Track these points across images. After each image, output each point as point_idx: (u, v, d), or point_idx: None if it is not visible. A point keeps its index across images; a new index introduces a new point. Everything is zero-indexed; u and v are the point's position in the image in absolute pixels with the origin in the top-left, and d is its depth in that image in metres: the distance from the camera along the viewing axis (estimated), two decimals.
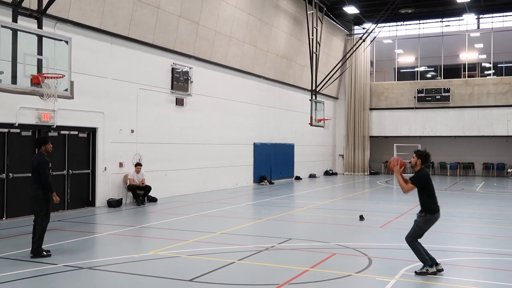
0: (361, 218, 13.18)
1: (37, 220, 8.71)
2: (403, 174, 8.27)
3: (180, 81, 18.72)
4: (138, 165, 16.18)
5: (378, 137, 34.23)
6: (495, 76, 32.07)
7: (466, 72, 32.87)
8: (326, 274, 7.65)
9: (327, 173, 32.75)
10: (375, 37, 31.38)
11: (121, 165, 16.18)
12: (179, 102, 18.82)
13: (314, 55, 25.68)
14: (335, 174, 33.33)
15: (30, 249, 8.63)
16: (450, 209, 16.08)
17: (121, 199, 15.82)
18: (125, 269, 7.93)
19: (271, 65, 25.23)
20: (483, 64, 33.94)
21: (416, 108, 32.59)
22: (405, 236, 8.01)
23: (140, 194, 16.05)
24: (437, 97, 31.93)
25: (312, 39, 25.48)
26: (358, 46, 29.66)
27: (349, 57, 30.38)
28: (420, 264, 7.81)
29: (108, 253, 9.41)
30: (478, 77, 32.96)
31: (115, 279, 7.51)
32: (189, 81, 19.16)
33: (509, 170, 30.67)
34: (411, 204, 16.93)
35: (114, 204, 15.31)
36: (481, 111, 31.00)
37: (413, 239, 7.89)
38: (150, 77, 17.46)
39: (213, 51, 20.56)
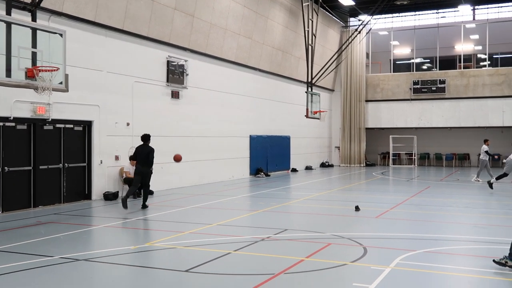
0: (357, 208, 13.24)
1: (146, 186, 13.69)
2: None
3: (175, 74, 18.70)
4: (133, 158, 16.16)
5: (374, 128, 34.29)
6: (490, 67, 32.12)
7: (462, 64, 32.91)
8: (321, 264, 7.70)
9: (323, 165, 32.82)
10: (370, 28, 31.36)
11: (117, 158, 16.19)
12: (175, 95, 18.81)
13: (310, 47, 25.65)
14: (331, 166, 33.40)
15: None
16: (446, 200, 16.18)
17: (117, 192, 15.85)
18: (121, 261, 7.97)
19: (267, 58, 25.21)
20: (479, 55, 33.97)
21: (412, 99, 32.64)
22: None
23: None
24: (432, 88, 31.98)
25: (308, 31, 25.44)
26: (354, 38, 29.63)
27: (344, 49, 30.36)
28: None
29: (104, 245, 9.44)
30: (473, 68, 33.01)
31: (111, 271, 7.54)
32: (184, 74, 19.14)
33: (504, 160, 30.75)
34: (406, 195, 17.04)
35: (110, 197, 15.34)
36: (477, 102, 31.08)
37: None
38: (146, 70, 17.44)
39: (209, 44, 20.53)
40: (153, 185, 16.96)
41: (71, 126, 14.86)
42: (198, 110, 20.22)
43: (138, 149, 13.84)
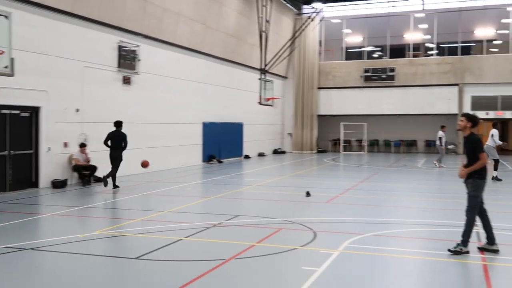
0: (308, 194, 13.47)
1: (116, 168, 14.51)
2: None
3: (127, 59, 18.35)
4: (83, 145, 15.84)
5: (326, 115, 34.79)
6: (438, 56, 33.10)
7: (411, 52, 33.76)
8: (272, 248, 7.82)
9: (275, 151, 33.11)
10: (323, 16, 31.66)
11: (65, 145, 15.80)
12: (126, 80, 18.48)
13: (264, 34, 25.69)
14: (284, 152, 33.73)
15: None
16: (393, 185, 16.69)
17: (66, 179, 15.50)
18: (70, 249, 7.83)
19: (221, 44, 25.08)
20: (427, 45, 34.93)
21: (363, 87, 33.28)
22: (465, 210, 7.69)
23: (86, 174, 15.77)
24: (383, 76, 32.69)
25: (261, 18, 25.46)
26: (307, 26, 29.87)
27: (298, 36, 30.57)
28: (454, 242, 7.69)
29: (52, 233, 9.25)
30: (422, 57, 33.94)
31: (59, 259, 7.41)
32: (136, 59, 18.80)
33: (449, 146, 31.90)
34: (356, 181, 17.45)
35: (58, 185, 14.98)
36: (424, 90, 32.01)
37: (472, 209, 7.57)
38: (96, 55, 17.03)
39: (162, 29, 20.23)
40: (104, 172, 16.70)
41: (17, 112, 14.37)
42: (151, 96, 19.95)
43: (110, 134, 14.73)
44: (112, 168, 14.75)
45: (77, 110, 16.23)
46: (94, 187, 15.41)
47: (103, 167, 16.62)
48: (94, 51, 16.94)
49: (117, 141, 14.72)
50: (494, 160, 16.99)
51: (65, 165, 15.80)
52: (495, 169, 17.19)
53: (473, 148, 7.62)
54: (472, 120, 7.77)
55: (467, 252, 7.46)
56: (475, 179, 7.57)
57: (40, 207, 12.31)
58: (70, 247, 7.97)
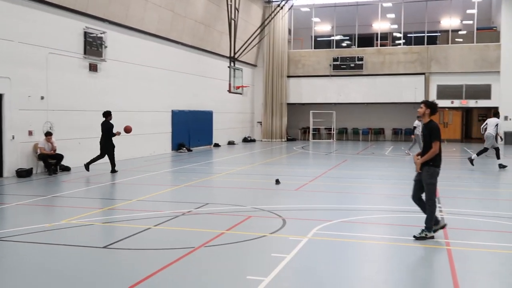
0: (277, 182, 13.53)
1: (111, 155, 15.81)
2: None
3: (93, 46, 17.98)
4: (48, 134, 15.48)
5: (295, 104, 34.94)
6: (405, 46, 33.54)
7: (379, 41, 34.13)
8: (242, 236, 7.83)
9: (245, 140, 33.10)
10: (292, 4, 31.66)
11: (30, 133, 15.44)
12: (93, 67, 18.12)
13: (233, 21, 25.53)
14: (254, 140, 33.77)
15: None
16: (361, 172, 16.91)
17: (31, 168, 15.17)
18: (35, 239, 7.68)
19: (189, 31, 24.82)
20: (394, 34, 35.38)
21: (332, 75, 33.49)
22: (424, 199, 7.78)
23: (52, 163, 15.46)
24: (351, 65, 32.95)
25: (231, 5, 25.28)
26: (276, 14, 29.83)
27: (267, 24, 30.51)
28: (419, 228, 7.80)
29: (17, 223, 9.02)
30: (389, 46, 34.33)
31: (24, 250, 7.24)
32: (103, 46, 18.44)
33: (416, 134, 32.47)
34: (325, 168, 17.61)
35: (23, 174, 14.65)
36: (392, 79, 32.43)
37: (433, 197, 7.68)
38: (61, 41, 16.63)
39: (129, 15, 19.88)
40: (71, 161, 16.45)
41: None
42: (118, 84, 19.64)
43: (101, 124, 15.92)
44: (99, 155, 15.90)
45: (42, 98, 15.86)
46: (61, 176, 15.13)
47: (70, 156, 16.36)
48: (59, 38, 16.54)
49: (103, 131, 15.87)
50: (494, 148, 17.30)
51: (30, 154, 15.46)
52: (498, 157, 17.48)
53: (430, 135, 7.68)
54: (431, 106, 7.89)
55: (432, 237, 7.63)
56: (430, 167, 7.65)
57: (4, 196, 12.01)
58: (36, 237, 7.82)
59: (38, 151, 15.35)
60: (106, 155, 15.82)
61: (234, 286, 5.78)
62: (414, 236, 7.66)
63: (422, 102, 7.99)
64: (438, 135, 7.65)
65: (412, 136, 22.92)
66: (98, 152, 15.86)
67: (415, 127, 22.45)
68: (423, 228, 7.68)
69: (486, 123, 17.84)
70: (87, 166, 15.61)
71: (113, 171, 15.80)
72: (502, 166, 17.27)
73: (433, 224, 7.68)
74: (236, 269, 6.34)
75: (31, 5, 15.34)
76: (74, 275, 6.12)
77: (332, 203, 11.11)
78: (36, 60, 15.61)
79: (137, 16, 20.42)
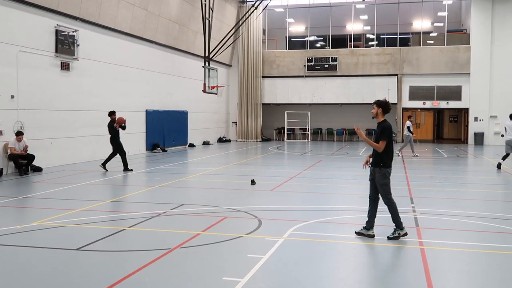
0: (253, 182, 13.52)
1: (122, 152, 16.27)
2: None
3: (65, 44, 17.69)
4: (19, 133, 15.16)
5: (270, 104, 35.01)
6: (378, 47, 33.94)
7: (352, 43, 34.45)
8: (217, 237, 7.80)
9: (220, 140, 33.02)
10: (267, 5, 31.70)
11: (0, 133, 15.10)
12: (65, 66, 17.82)
13: (207, 21, 25.43)
14: (229, 141, 33.71)
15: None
16: (335, 172, 17.03)
17: (1, 169, 14.84)
18: (6, 241, 7.51)
19: (163, 30, 24.63)
20: (368, 35, 35.75)
21: (306, 76, 33.67)
22: (382, 201, 7.84)
23: (23, 163, 15.16)
24: (325, 66, 33.18)
25: (205, 4, 25.17)
26: (251, 14, 29.83)
27: (241, 24, 30.49)
28: (390, 229, 7.86)
29: None
30: (362, 47, 34.68)
31: None
32: (75, 44, 18.16)
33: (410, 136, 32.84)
34: (300, 169, 17.69)
35: None
36: (365, 80, 32.78)
37: (389, 197, 7.72)
38: (32, 39, 16.31)
39: (101, 13, 19.61)
40: (43, 161, 16.16)
41: None
42: (91, 83, 19.36)
43: (114, 125, 16.24)
44: (112, 153, 16.43)
45: (12, 97, 15.53)
46: (32, 176, 14.84)
47: (41, 156, 16.06)
48: (30, 35, 16.22)
49: (108, 130, 16.35)
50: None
51: (0, 154, 15.11)
52: (504, 159, 17.44)
53: (380, 133, 7.76)
54: (381, 105, 7.97)
55: (406, 234, 7.72)
56: (381, 168, 7.76)
57: None
58: (6, 239, 7.64)
59: (9, 151, 15.03)
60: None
61: (210, 287, 5.74)
62: (388, 237, 7.73)
63: (374, 103, 8.04)
64: (386, 135, 7.74)
65: (412, 137, 22.96)
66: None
67: (408, 127, 22.62)
68: (394, 227, 7.77)
69: (505, 128, 17.39)
70: (103, 166, 16.06)
71: (125, 169, 16.10)
72: (499, 167, 17.35)
73: (400, 220, 7.75)
74: (212, 270, 6.31)
75: (1, 2, 14.99)
76: (47, 278, 6.00)
77: (307, 203, 11.16)
78: (6, 58, 15.27)
79: (110, 15, 20.17)
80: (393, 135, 31.85)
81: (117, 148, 16.27)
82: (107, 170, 16.00)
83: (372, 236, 7.76)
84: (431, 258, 6.81)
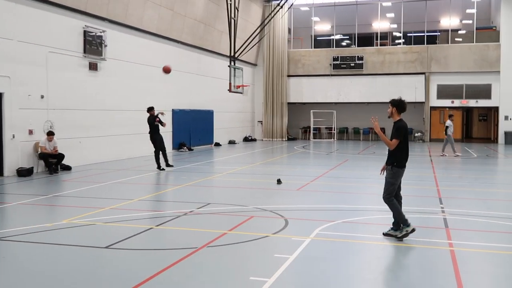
0: (279, 181, 13.49)
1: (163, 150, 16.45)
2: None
3: (93, 45, 17.94)
4: (50, 133, 15.41)
5: (296, 103, 34.90)
6: (404, 45, 33.51)
7: (379, 41, 34.09)
8: (244, 236, 7.79)
9: (246, 139, 33.06)
10: (292, 4, 31.60)
11: (31, 132, 15.40)
12: (93, 66, 18.07)
13: (233, 20, 25.48)
14: (254, 140, 33.73)
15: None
16: (362, 172, 16.87)
17: (32, 167, 15.13)
18: (36, 239, 7.64)
19: (189, 30, 24.77)
20: (394, 33, 35.33)
21: (332, 75, 33.45)
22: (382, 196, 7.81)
23: (53, 162, 15.42)
24: (351, 64, 32.91)
25: (230, 4, 25.23)
26: (276, 13, 29.77)
27: (267, 23, 30.46)
28: (390, 225, 7.82)
29: (18, 223, 8.99)
30: (389, 46, 34.29)
31: (26, 249, 7.20)
32: (103, 45, 18.40)
33: (416, 134, 32.48)
34: (326, 168, 17.58)
35: (24, 173, 14.61)
36: (392, 79, 32.40)
37: (389, 196, 7.69)
38: (61, 40, 16.58)
39: (128, 14, 19.83)
40: (72, 160, 16.41)
41: None
42: (118, 83, 19.59)
43: (151, 120, 16.30)
44: (155, 151, 16.51)
45: (42, 97, 15.82)
46: (61, 175, 15.09)
47: (70, 155, 16.32)
48: (59, 36, 16.50)
49: (149, 126, 16.42)
50: None
51: (30, 153, 15.42)
52: None
53: (393, 132, 7.68)
54: (395, 104, 7.88)
55: (414, 230, 7.60)
56: (393, 167, 7.67)
57: (5, 196, 11.96)
58: (37, 236, 7.78)
59: (39, 150, 15.31)
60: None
61: (237, 287, 5.74)
62: (397, 237, 7.62)
63: (389, 102, 7.93)
64: (399, 133, 7.67)
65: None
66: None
67: (447, 127, 22.19)
68: (401, 226, 7.67)
69: None
70: (158, 167, 16.22)
71: (167, 165, 16.47)
72: None
73: (404, 217, 7.62)
74: (239, 270, 6.31)
75: (31, 4, 15.29)
76: (76, 275, 6.08)
77: (334, 203, 11.07)
78: (36, 59, 15.56)
79: (136, 15, 20.37)
80: (420, 134, 31.60)
81: (157, 144, 16.32)
82: (163, 169, 16.24)
83: (400, 238, 7.63)
84: (461, 260, 6.68)
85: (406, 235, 7.59)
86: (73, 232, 8.19)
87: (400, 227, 7.70)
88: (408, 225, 7.61)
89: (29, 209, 10.15)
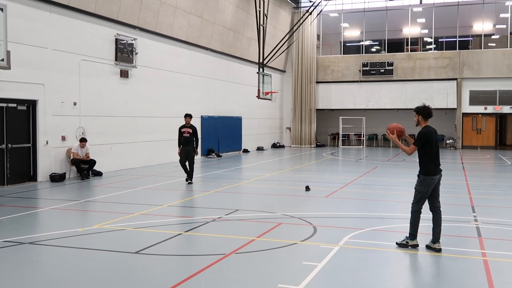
0: (307, 188, 13.43)
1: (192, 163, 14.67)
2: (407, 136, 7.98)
3: (124, 53, 18.24)
4: (83, 140, 15.70)
5: (324, 110, 34.74)
6: (436, 51, 33.04)
7: (409, 46, 33.70)
8: (272, 243, 7.77)
9: (274, 145, 33.05)
10: (321, 10, 31.55)
11: (63, 138, 15.72)
12: (124, 74, 18.37)
13: (261, 27, 25.58)
14: (282, 146, 33.69)
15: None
16: (392, 179, 16.66)
17: (64, 173, 15.43)
18: (69, 243, 7.78)
19: (218, 37, 24.96)
20: (425, 39, 34.87)
21: (361, 81, 33.21)
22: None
23: (85, 168, 15.70)
24: (381, 70, 32.62)
25: (259, 11, 25.33)
26: (305, 19, 29.76)
27: (296, 30, 30.46)
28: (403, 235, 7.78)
29: (51, 227, 9.19)
30: (420, 51, 33.86)
31: (58, 253, 7.35)
32: (134, 52, 18.70)
33: (448, 141, 31.92)
34: (355, 175, 17.42)
35: (57, 178, 14.91)
36: (423, 85, 31.97)
37: (417, 205, 7.58)
38: (93, 48, 16.92)
39: (158, 22, 20.11)
40: (103, 166, 16.67)
41: (15, 105, 14.28)
42: (148, 90, 19.86)
43: (180, 129, 14.66)
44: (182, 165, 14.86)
45: (75, 104, 16.14)
46: (93, 180, 15.35)
47: (101, 161, 16.59)
48: (91, 44, 16.83)
49: (187, 136, 14.58)
50: None
51: (63, 158, 15.73)
52: None
53: (415, 138, 7.58)
54: (420, 112, 7.73)
55: (416, 246, 7.48)
56: (421, 174, 7.55)
57: (38, 201, 12.24)
58: (68, 241, 7.92)
59: (71, 156, 15.61)
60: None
61: None
62: (397, 243, 7.59)
63: (414, 110, 7.81)
64: (418, 140, 7.55)
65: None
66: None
67: None
68: (407, 235, 7.60)
69: None
70: (187, 180, 14.68)
71: (190, 182, 14.71)
72: None
73: (416, 231, 7.53)
74: (267, 277, 6.28)
75: (64, 13, 15.66)
76: (106, 280, 6.16)
77: (363, 210, 10.96)
78: (69, 67, 15.91)
79: (166, 23, 20.64)
80: (451, 141, 31.01)
81: (185, 156, 14.64)
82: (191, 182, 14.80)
83: (439, 250, 7.43)
84: (495, 271, 6.51)
85: (404, 245, 7.51)
86: (104, 237, 8.31)
87: (439, 239, 7.51)
88: (412, 239, 7.54)
89: (61, 214, 10.35)
